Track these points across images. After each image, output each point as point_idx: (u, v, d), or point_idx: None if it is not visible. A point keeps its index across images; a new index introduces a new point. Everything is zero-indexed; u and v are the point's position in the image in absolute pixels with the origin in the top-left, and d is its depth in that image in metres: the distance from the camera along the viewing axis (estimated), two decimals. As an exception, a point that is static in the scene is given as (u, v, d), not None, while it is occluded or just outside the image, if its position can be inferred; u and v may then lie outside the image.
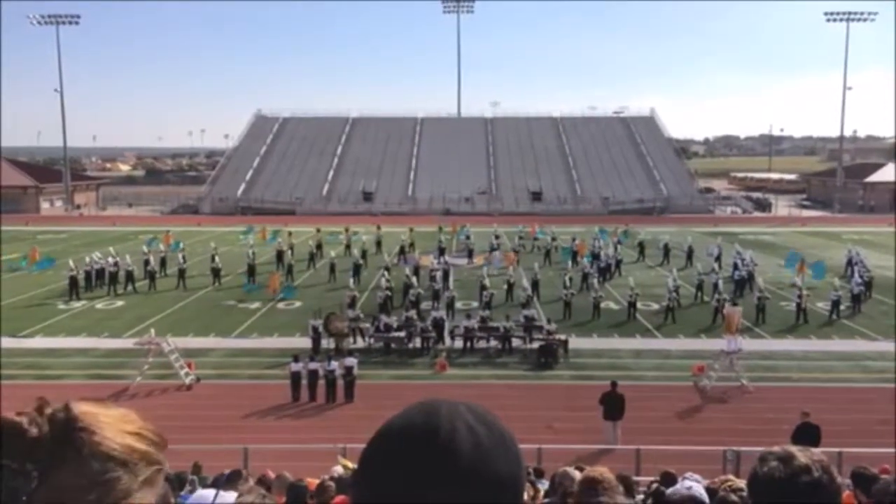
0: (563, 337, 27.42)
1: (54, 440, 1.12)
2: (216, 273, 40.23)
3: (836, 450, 14.05)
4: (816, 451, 1.86)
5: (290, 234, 49.87)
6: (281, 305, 35.20)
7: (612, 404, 19.02)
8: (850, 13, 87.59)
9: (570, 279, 35.06)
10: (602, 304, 33.38)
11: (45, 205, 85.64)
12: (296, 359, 22.92)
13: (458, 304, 33.32)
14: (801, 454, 1.81)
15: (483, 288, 33.37)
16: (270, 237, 51.51)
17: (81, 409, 1.17)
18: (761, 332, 30.33)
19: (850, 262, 42.19)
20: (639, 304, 32.95)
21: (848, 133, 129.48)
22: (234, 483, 8.16)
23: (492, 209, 78.82)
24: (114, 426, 1.17)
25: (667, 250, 46.82)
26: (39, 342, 29.25)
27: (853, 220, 74.50)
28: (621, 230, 53.25)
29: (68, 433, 1.13)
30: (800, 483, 1.77)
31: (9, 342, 28.88)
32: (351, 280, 36.06)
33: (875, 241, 55.79)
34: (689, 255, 45.21)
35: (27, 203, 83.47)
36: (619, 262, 43.36)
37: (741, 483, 4.70)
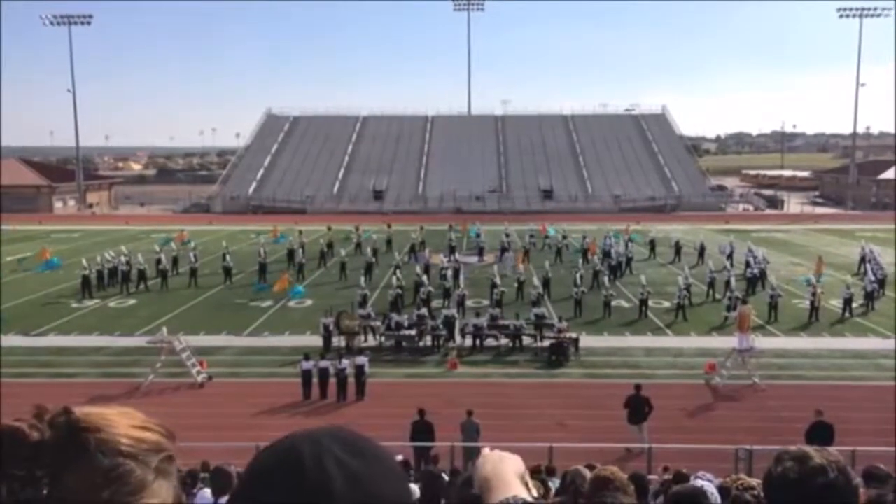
0: (573, 335, 27.36)
1: (59, 442, 1.09)
2: (228, 272, 40.38)
3: (850, 448, 13.96)
4: (833, 451, 1.84)
5: (300, 232, 50.00)
6: (292, 304, 35.27)
7: (637, 407, 18.92)
8: (862, 9, 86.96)
9: (581, 277, 34.98)
10: (613, 303, 33.27)
11: (58, 204, 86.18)
12: (307, 357, 22.97)
13: (469, 303, 33.29)
14: (818, 454, 1.79)
15: (494, 286, 33.34)
16: (281, 236, 51.69)
17: (82, 410, 1.15)
18: (774, 331, 30.17)
19: (863, 260, 41.92)
20: (650, 302, 32.85)
21: (861, 130, 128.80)
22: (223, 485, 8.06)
23: (503, 207, 78.77)
24: (118, 422, 1.15)
25: (678, 248, 46.66)
26: (52, 340, 29.43)
27: (866, 218, 73.98)
28: (633, 228, 53.15)
29: (73, 434, 1.10)
30: (815, 484, 1.75)
31: (22, 340, 29.10)
32: (362, 278, 36.09)
33: (888, 239, 55.33)
34: (701, 252, 45.05)
35: (40, 202, 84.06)
36: (630, 260, 43.22)
37: (754, 482, 4.67)
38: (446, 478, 10.44)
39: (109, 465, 1.10)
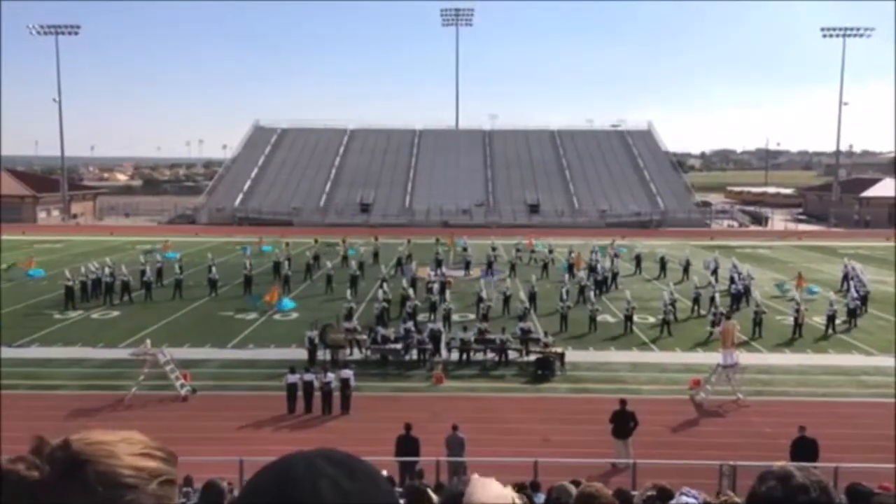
0: (559, 349, 27.40)
1: (59, 478, 1.10)
2: (213, 284, 40.17)
3: (833, 465, 14.04)
4: (816, 470, 1.87)
5: (286, 244, 49.88)
6: (277, 317, 35.14)
7: (622, 422, 18.94)
8: (846, 29, 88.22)
9: (567, 292, 35.05)
10: (599, 317, 33.37)
11: (42, 214, 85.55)
12: (292, 370, 22.87)
13: (455, 317, 33.27)
14: (800, 474, 1.82)
15: (480, 300, 33.34)
16: (268, 247, 51.68)
17: (82, 440, 1.16)
18: (758, 346, 30.34)
19: (846, 277, 42.26)
20: (635, 318, 32.96)
21: (844, 148, 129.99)
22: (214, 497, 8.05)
23: (489, 221, 78.98)
24: (119, 451, 1.16)
25: (663, 263, 46.89)
26: (35, 352, 29.14)
27: (849, 235, 74.74)
28: (618, 243, 53.46)
29: (73, 468, 1.11)
30: (798, 502, 1.78)
31: (4, 352, 28.78)
32: (348, 291, 36.01)
33: (871, 256, 55.94)
34: (686, 268, 45.28)
35: (24, 212, 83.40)
36: (615, 275, 43.39)
37: (738, 500, 4.70)
38: (432, 493, 10.40)
39: (109, 498, 1.11)
